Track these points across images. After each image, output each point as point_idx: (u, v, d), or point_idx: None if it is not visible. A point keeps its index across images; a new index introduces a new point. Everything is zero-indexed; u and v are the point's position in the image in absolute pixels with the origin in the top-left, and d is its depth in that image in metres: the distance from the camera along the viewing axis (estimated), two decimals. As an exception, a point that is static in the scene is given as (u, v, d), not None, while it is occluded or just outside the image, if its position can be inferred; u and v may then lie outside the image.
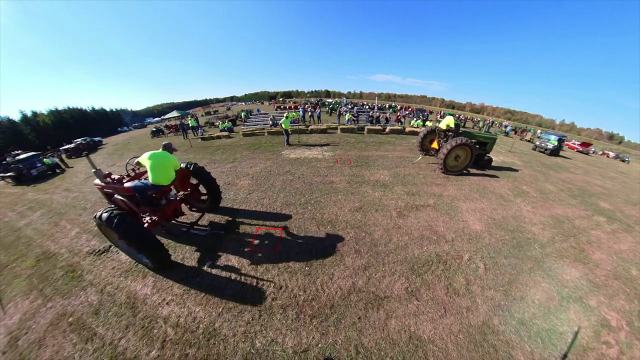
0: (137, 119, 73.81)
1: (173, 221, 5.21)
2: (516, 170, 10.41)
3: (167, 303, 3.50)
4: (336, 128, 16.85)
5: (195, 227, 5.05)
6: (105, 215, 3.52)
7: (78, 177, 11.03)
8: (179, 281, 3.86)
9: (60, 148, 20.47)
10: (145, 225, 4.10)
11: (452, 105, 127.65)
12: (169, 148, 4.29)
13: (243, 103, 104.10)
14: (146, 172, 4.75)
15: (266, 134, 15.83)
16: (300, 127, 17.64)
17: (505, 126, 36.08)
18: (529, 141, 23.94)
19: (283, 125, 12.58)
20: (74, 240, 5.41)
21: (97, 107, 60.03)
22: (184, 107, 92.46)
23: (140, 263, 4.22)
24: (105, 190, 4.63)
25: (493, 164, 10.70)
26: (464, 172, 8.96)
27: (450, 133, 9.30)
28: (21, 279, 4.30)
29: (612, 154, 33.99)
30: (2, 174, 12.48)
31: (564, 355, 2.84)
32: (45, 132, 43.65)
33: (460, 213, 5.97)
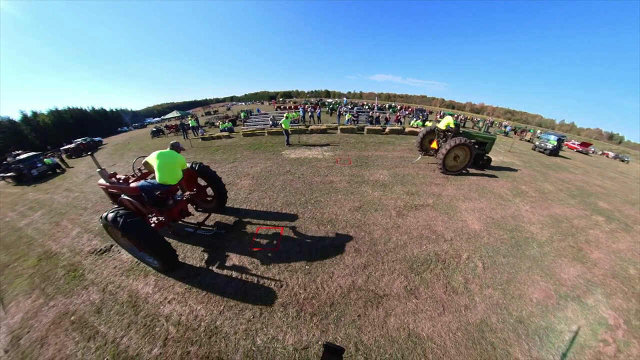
0: (137, 119, 73.84)
1: (179, 222, 5.15)
2: (515, 170, 10.44)
3: (168, 302, 3.53)
4: (336, 128, 16.89)
5: (202, 227, 5.01)
6: (111, 215, 3.46)
7: (78, 177, 11.06)
8: (180, 280, 3.89)
9: (61, 148, 20.49)
10: (153, 225, 4.08)
11: (452, 105, 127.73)
12: (176, 147, 4.26)
13: (243, 103, 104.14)
14: (152, 172, 4.74)
15: (266, 134, 15.86)
16: (300, 127, 17.67)
17: (505, 126, 36.13)
18: (528, 141, 23.98)
19: (283, 126, 12.62)
20: (75, 239, 5.44)
21: (97, 107, 60.10)
22: (184, 107, 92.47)
23: (147, 264, 4.18)
24: (109, 190, 4.54)
25: (492, 164, 10.74)
26: (463, 172, 9.00)
27: (449, 133, 9.34)
28: (23, 279, 4.33)
29: (611, 154, 34.04)
30: (2, 174, 12.50)
31: (563, 355, 2.85)
32: (45, 132, 43.66)
33: (459, 213, 6.01)
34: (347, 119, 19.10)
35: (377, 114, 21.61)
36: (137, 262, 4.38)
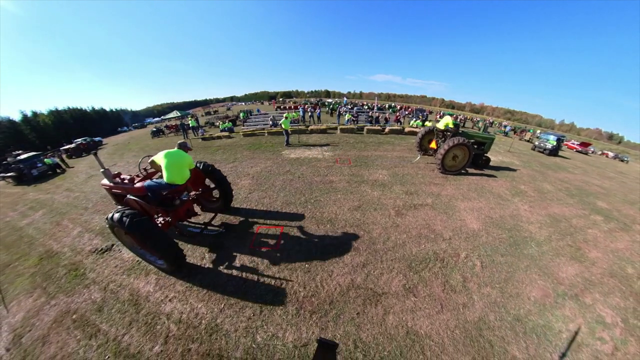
0: (137, 119, 73.87)
1: (185, 222, 5.11)
2: (515, 170, 10.48)
3: (169, 300, 3.56)
4: (336, 128, 16.92)
5: (209, 227, 4.97)
6: (118, 216, 3.38)
7: (79, 177, 11.08)
8: (181, 278, 3.92)
9: (61, 148, 20.52)
10: (159, 226, 4.01)
11: (452, 106, 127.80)
12: (184, 147, 4.22)
13: (243, 103, 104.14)
14: (158, 171, 4.58)
15: (266, 134, 15.89)
16: (300, 127, 17.69)
17: (505, 126, 36.19)
18: (528, 141, 24.02)
19: (283, 126, 12.65)
20: (76, 239, 5.47)
21: (97, 107, 60.13)
22: (184, 107, 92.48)
23: (153, 265, 4.13)
24: (113, 190, 4.47)
25: (492, 163, 10.77)
26: (462, 172, 9.02)
27: (448, 133, 9.37)
28: (24, 278, 4.35)
29: (611, 154, 34.08)
30: (2, 174, 12.52)
31: (560, 353, 2.88)
32: (45, 132, 43.68)
33: (458, 212, 6.04)
34: (346, 119, 19.13)
35: (377, 114, 21.63)
36: (138, 261, 4.40)
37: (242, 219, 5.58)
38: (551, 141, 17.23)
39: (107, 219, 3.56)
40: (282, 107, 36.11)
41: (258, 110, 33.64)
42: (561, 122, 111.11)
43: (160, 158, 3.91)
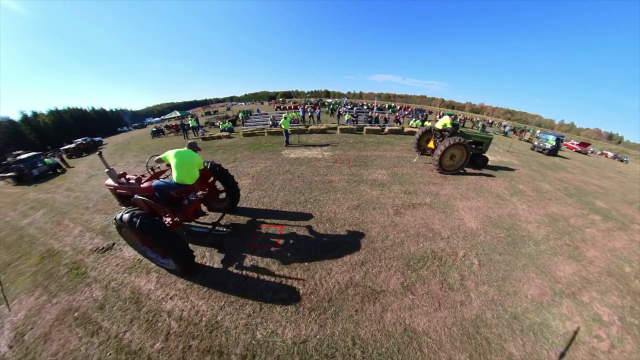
0: (137, 119, 73.93)
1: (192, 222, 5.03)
2: (514, 170, 10.51)
3: (170, 297, 3.59)
4: (335, 128, 16.95)
5: (217, 227, 4.92)
6: (127, 216, 3.29)
7: (79, 177, 11.11)
8: (182, 276, 3.95)
9: (61, 148, 20.55)
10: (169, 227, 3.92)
11: (451, 106, 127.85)
12: (194, 147, 4.17)
13: (243, 103, 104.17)
14: (165, 171, 4.58)
15: (266, 134, 15.92)
16: (300, 127, 17.73)
17: (504, 126, 36.25)
18: (527, 141, 24.06)
19: (282, 126, 12.66)
20: (77, 238, 5.50)
21: (97, 107, 60.21)
22: (184, 107, 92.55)
23: (161, 266, 4.06)
24: (118, 191, 4.36)
25: (491, 163, 10.80)
26: (460, 171, 9.05)
27: (446, 133, 9.40)
28: (25, 277, 4.38)
29: (610, 154, 34.14)
30: (2, 174, 12.55)
31: (560, 353, 2.89)
32: (45, 132, 43.73)
33: (456, 211, 6.07)
34: (346, 119, 19.18)
35: (377, 114, 21.67)
36: (139, 259, 4.44)
37: (243, 218, 5.61)
38: (550, 141, 17.27)
39: (115, 219, 3.46)
40: (282, 107, 36.15)
41: (258, 111, 33.67)
42: (561, 122, 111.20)
43: (170, 157, 3.84)
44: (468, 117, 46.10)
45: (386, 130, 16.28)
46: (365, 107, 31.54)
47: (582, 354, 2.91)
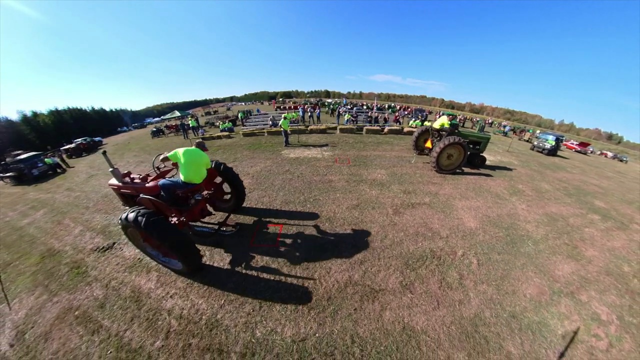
0: (137, 119, 73.99)
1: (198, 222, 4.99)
2: (513, 170, 10.52)
3: (170, 296, 3.61)
4: (335, 128, 16.97)
5: (224, 227, 4.91)
6: (132, 215, 3.22)
7: (79, 177, 11.12)
8: (182, 275, 3.97)
9: (61, 148, 20.56)
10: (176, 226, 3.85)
11: (451, 106, 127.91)
12: (202, 146, 4.13)
13: (243, 103, 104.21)
14: (171, 170, 4.55)
15: (266, 134, 15.93)
16: (299, 127, 17.75)
17: (504, 126, 36.27)
18: (527, 141, 24.08)
19: (282, 126, 12.62)
20: (78, 237, 5.51)
21: (96, 107, 60.28)
22: (184, 107, 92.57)
23: (168, 267, 4.02)
24: (122, 190, 4.27)
25: (490, 163, 10.82)
26: (458, 171, 9.04)
27: (443, 132, 9.42)
28: (25, 276, 4.38)
29: (610, 154, 34.17)
30: (1, 174, 12.54)
31: (560, 353, 2.90)
32: (45, 132, 43.77)
33: (455, 211, 6.09)
34: (346, 119, 19.20)
35: (376, 114, 21.68)
36: (139, 258, 4.45)
37: (242, 217, 5.62)
38: (550, 141, 17.28)
39: (120, 219, 3.40)
40: (282, 107, 36.16)
41: (258, 111, 33.70)
42: (561, 122, 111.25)
43: (178, 155, 3.76)
44: (468, 117, 46.12)
45: (386, 130, 16.30)
46: (365, 107, 31.56)
47: (580, 352, 2.92)
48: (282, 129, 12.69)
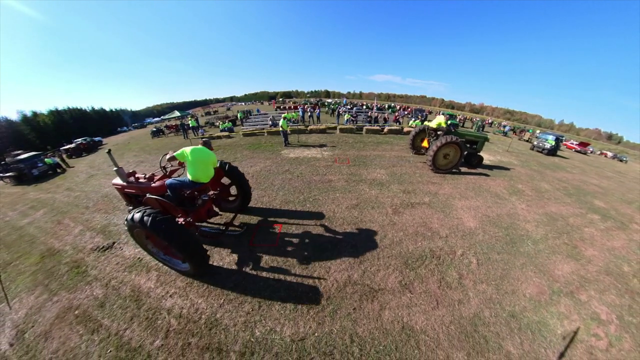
0: (137, 119, 74.06)
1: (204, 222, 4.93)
2: (513, 170, 10.53)
3: (170, 295, 3.61)
4: (335, 128, 16.98)
5: (231, 227, 4.87)
6: (139, 216, 3.15)
7: (79, 177, 11.13)
8: (181, 275, 3.97)
9: (61, 148, 20.58)
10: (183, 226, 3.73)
11: (451, 106, 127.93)
12: (208, 145, 4.06)
13: (243, 103, 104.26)
14: (177, 170, 4.50)
15: (266, 134, 15.94)
16: (299, 127, 17.76)
17: (504, 126, 36.27)
18: (527, 141, 24.08)
19: (281, 127, 12.59)
20: (78, 237, 5.51)
21: (96, 107, 60.34)
22: (184, 107, 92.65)
23: (175, 269, 3.95)
24: (126, 190, 4.19)
25: (490, 163, 10.81)
26: (454, 170, 9.02)
27: (440, 132, 9.41)
28: (25, 276, 4.39)
29: (610, 154, 34.18)
30: (1, 174, 12.54)
31: (560, 353, 2.90)
32: (45, 132, 43.80)
33: (455, 210, 6.09)
34: (346, 119, 19.21)
35: (376, 114, 21.69)
36: (139, 258, 4.46)
37: (242, 217, 5.62)
38: (550, 141, 17.27)
39: (126, 220, 3.33)
40: (282, 107, 36.17)
41: (258, 111, 33.73)
42: (560, 122, 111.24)
43: (185, 154, 3.69)
44: (468, 117, 46.11)
45: (385, 130, 16.30)
46: (364, 107, 31.57)
47: (580, 352, 2.92)
48: (281, 129, 12.69)
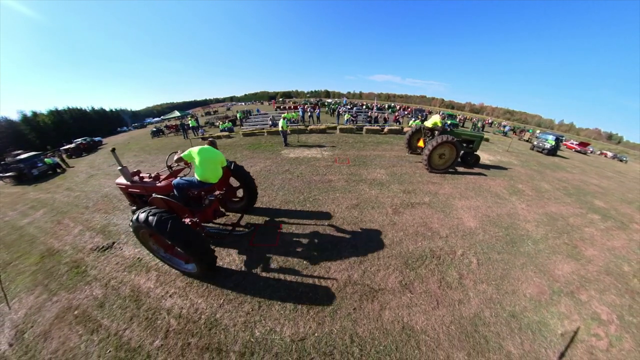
0: (137, 119, 74.08)
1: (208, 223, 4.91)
2: (513, 170, 10.52)
3: (170, 295, 3.61)
4: (335, 128, 16.97)
5: (238, 228, 4.83)
6: (143, 216, 3.09)
7: (79, 177, 11.12)
8: (181, 275, 3.96)
9: (61, 148, 20.57)
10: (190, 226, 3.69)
11: (451, 106, 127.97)
12: (214, 144, 4.00)
13: (243, 103, 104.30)
14: (183, 169, 4.47)
15: (266, 134, 15.94)
16: (299, 127, 17.76)
17: (504, 126, 36.29)
18: (527, 141, 24.08)
19: (281, 127, 12.54)
20: (78, 237, 5.50)
21: (96, 107, 60.37)
22: (184, 107, 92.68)
23: (181, 271, 3.91)
24: (130, 190, 4.13)
25: (490, 163, 10.80)
26: (450, 170, 8.99)
27: (435, 131, 9.40)
28: (25, 276, 4.38)
29: (610, 154, 34.19)
30: (1, 174, 12.54)
31: (560, 353, 2.90)
32: (45, 132, 43.81)
33: (455, 210, 6.08)
34: (346, 119, 19.22)
35: (376, 114, 21.69)
36: (139, 258, 4.45)
37: (242, 216, 5.62)
38: (550, 141, 17.27)
39: (131, 221, 3.29)
40: (281, 107, 36.17)
41: (258, 110, 33.74)
42: (560, 122, 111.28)
43: (193, 154, 3.65)
44: (468, 117, 46.12)
45: (385, 130, 16.29)
46: (364, 107, 31.57)
47: (580, 352, 2.91)
48: (281, 130, 12.66)
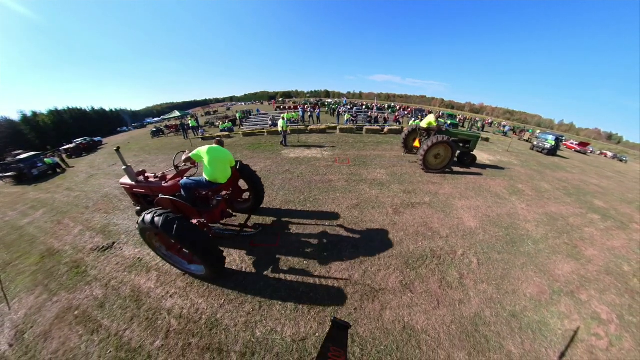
0: (137, 119, 74.05)
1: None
2: (513, 170, 10.52)
3: (170, 296, 3.60)
4: (335, 128, 16.98)
5: (245, 229, 4.76)
6: (150, 217, 3.04)
7: (79, 177, 11.12)
8: (181, 275, 3.96)
9: (61, 148, 20.56)
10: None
11: (451, 106, 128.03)
12: (221, 144, 3.94)
13: (243, 103, 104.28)
14: (189, 169, 4.44)
15: (266, 134, 15.94)
16: (299, 127, 17.76)
17: (504, 126, 36.32)
18: (527, 141, 24.09)
19: (281, 127, 12.52)
20: (78, 237, 5.50)
21: (96, 107, 60.35)
22: (184, 107, 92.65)
23: (189, 273, 3.85)
24: (135, 190, 4.06)
25: (490, 163, 10.80)
26: (446, 170, 8.97)
27: (431, 132, 9.39)
28: (25, 276, 4.38)
29: (609, 154, 34.21)
30: (1, 174, 12.53)
31: (560, 353, 2.90)
32: (45, 132, 43.78)
33: (455, 210, 6.08)
34: (346, 119, 19.22)
35: (376, 114, 21.69)
36: (139, 258, 4.45)
37: (241, 216, 5.62)
38: (550, 141, 17.28)
39: (137, 223, 3.23)
40: (281, 107, 36.17)
41: (258, 110, 33.74)
42: (560, 122, 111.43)
43: (202, 154, 3.59)
44: (468, 117, 46.14)
45: (386, 130, 16.30)
46: (364, 107, 31.57)
47: (580, 351, 2.92)
48: (280, 130, 12.63)
